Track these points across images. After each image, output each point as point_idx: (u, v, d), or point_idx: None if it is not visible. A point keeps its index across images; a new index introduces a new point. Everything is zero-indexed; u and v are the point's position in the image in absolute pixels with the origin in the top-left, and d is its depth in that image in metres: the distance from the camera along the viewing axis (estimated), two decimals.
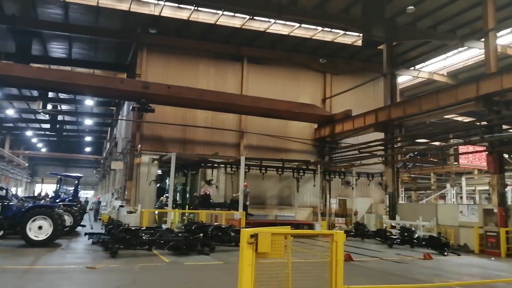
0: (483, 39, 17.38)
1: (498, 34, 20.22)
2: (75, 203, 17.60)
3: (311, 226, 19.93)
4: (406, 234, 15.53)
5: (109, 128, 45.71)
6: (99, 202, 29.71)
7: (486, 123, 15.67)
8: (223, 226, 13.68)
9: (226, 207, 20.16)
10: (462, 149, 24.07)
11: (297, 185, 23.01)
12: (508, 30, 21.10)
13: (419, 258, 12.53)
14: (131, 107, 21.98)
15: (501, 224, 14.00)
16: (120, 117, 31.64)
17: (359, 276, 8.86)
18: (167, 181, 22.51)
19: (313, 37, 23.62)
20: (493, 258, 13.37)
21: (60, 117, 41.28)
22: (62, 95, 32.99)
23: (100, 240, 11.62)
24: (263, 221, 18.73)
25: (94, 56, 27.37)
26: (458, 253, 14.02)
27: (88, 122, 44.12)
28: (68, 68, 26.47)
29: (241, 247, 5.57)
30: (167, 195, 21.07)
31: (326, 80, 26.31)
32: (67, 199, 18.97)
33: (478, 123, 16.68)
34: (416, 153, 31.16)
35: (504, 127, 16.50)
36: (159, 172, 22.40)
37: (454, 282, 8.29)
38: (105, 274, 8.55)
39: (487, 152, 16.10)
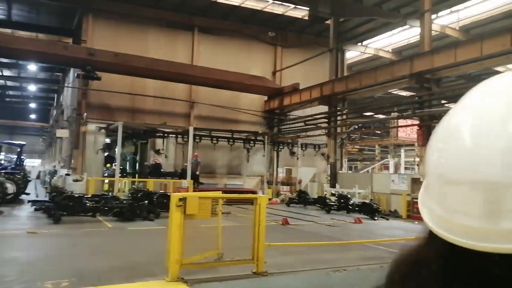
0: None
1: (439, 14, 21.45)
2: (18, 171, 17.30)
3: (255, 194, 20.79)
4: (342, 201, 16.73)
5: (55, 95, 43.99)
6: (55, 171, 29.09)
7: (417, 99, 16.87)
8: (169, 194, 14.09)
9: (177, 176, 20.52)
10: (401, 123, 25.62)
11: (247, 155, 23.73)
12: (448, 11, 22.32)
13: (350, 222, 13.67)
14: (76, 74, 21.45)
15: None
16: (65, 84, 30.63)
17: (290, 237, 9.69)
18: (116, 149, 22.46)
19: (264, 9, 23.82)
20: (416, 222, 14.78)
21: (2, 82, 39.18)
22: (3, 60, 31.29)
23: (43, 207, 11.74)
24: (212, 189, 19.31)
25: (37, 19, 26.06)
26: (387, 218, 15.36)
27: (32, 88, 42.15)
28: (8, 31, 25.13)
29: (171, 210, 6.10)
30: (115, 163, 21.08)
31: (276, 53, 26.76)
32: (9, 167, 18.55)
33: (414, 99, 17.92)
34: (360, 125, 32.71)
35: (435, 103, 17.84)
36: (107, 140, 22.25)
37: (367, 240, 9.29)
38: (46, 238, 8.82)
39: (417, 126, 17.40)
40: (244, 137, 23.83)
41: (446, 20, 23.08)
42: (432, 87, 16.42)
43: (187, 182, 17.93)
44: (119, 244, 8.65)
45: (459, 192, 0.49)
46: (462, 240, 0.47)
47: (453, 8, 21.65)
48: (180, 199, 5.97)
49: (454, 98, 21.85)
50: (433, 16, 18.92)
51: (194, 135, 20.52)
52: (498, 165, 0.45)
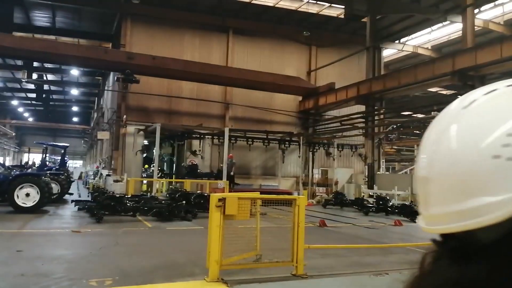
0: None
1: (482, 8, 20.58)
2: (62, 172, 17.99)
3: (290, 194, 20.66)
4: (381, 202, 16.32)
5: (96, 98, 45.56)
6: (98, 172, 30.15)
7: (460, 97, 16.19)
8: (206, 194, 14.25)
9: (213, 177, 20.70)
10: None
11: (282, 156, 23.64)
12: (491, 5, 21.39)
13: (389, 225, 13.30)
14: (116, 78, 22.11)
15: None
16: (106, 88, 31.64)
17: (328, 239, 9.54)
18: (154, 151, 22.97)
19: (298, 9, 23.68)
20: None
21: (46, 87, 40.96)
22: (47, 65, 32.73)
23: (86, 206, 12.13)
24: (247, 190, 19.36)
25: (79, 25, 27.11)
26: None
27: (75, 92, 43.81)
28: (53, 37, 26.26)
29: (210, 210, 6.12)
30: (153, 164, 21.56)
31: (311, 52, 26.52)
32: (54, 168, 19.34)
33: (457, 97, 17.22)
34: (398, 125, 31.86)
35: None
36: (145, 142, 22.79)
37: (409, 244, 8.99)
38: (89, 237, 9.10)
39: None
40: (279, 138, 23.73)
41: (489, 15, 22.13)
42: (475, 85, 15.73)
43: (223, 183, 18.06)
44: (159, 244, 8.80)
45: (416, 187, 0.61)
46: (421, 225, 0.59)
47: (497, 2, 20.68)
48: (220, 200, 5.98)
49: None
50: (476, 11, 18.14)
51: (230, 136, 20.64)
52: (426, 163, 0.57)
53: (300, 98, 25.34)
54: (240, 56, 24.59)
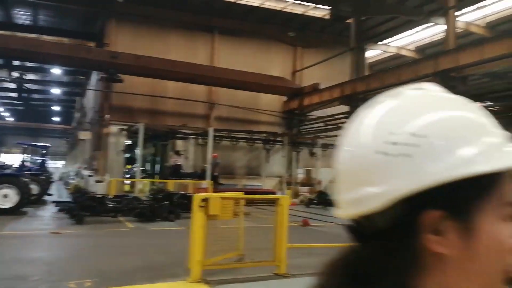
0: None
1: (464, 11, 20.90)
2: (41, 172, 17.63)
3: (274, 194, 20.67)
4: None
5: (78, 97, 44.85)
6: (79, 173, 29.65)
7: None
8: (189, 194, 14.13)
9: (197, 177, 20.58)
10: None
11: (267, 155, 23.64)
12: (473, 7, 21.74)
13: None
14: (98, 77, 21.79)
15: None
16: (88, 87, 31.17)
17: (311, 238, 9.55)
18: (137, 151, 22.71)
19: (283, 10, 23.71)
20: None
21: (26, 85, 40.14)
22: (28, 63, 32.08)
23: (67, 207, 11.90)
24: (231, 190, 19.28)
25: (61, 23, 26.63)
26: None
27: (56, 91, 43.04)
28: (34, 35, 25.74)
29: (194, 210, 6.05)
30: (136, 164, 21.31)
31: (296, 53, 26.60)
32: (33, 169, 18.94)
33: None
34: None
35: None
36: (128, 142, 22.51)
37: None
38: (69, 239, 8.92)
39: None
40: (264, 138, 23.73)
41: (471, 17, 22.50)
42: (457, 86, 15.97)
43: (206, 183, 17.96)
44: (141, 245, 8.67)
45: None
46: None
47: (479, 4, 21.03)
48: (203, 200, 5.93)
49: (479, 97, 21.28)
50: (457, 13, 18.42)
51: (214, 136, 20.55)
52: (338, 155, 0.62)
53: (285, 98, 25.38)
54: (225, 56, 24.50)
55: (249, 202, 11.43)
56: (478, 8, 21.38)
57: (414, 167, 0.54)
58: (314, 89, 22.97)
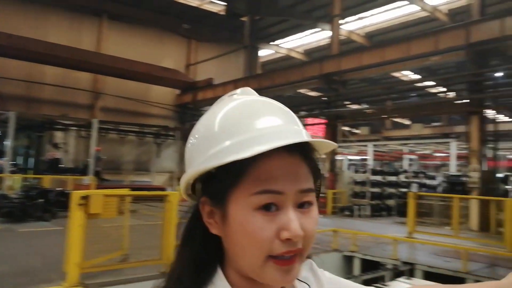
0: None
1: (347, 19, 22.67)
2: None
3: (164, 191, 20.15)
4: None
5: None
6: None
7: (326, 99, 17.69)
8: (68, 191, 12.97)
9: (79, 172, 19.02)
10: (309, 121, 26.67)
11: (158, 150, 22.89)
12: (356, 17, 23.67)
13: None
14: None
15: (329, 187, 16.24)
16: None
17: None
18: (7, 142, 20.15)
19: (179, 1, 23.13)
20: (321, 216, 15.47)
21: None
22: None
23: None
24: (116, 186, 18.23)
25: None
26: None
27: None
28: None
29: (71, 209, 5.51)
30: (5, 158, 18.89)
31: (191, 46, 26.21)
32: None
33: (323, 99, 18.75)
34: None
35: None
36: None
37: None
38: None
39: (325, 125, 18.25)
40: (154, 132, 22.95)
41: (353, 26, 24.54)
42: (338, 89, 17.31)
43: (89, 179, 16.74)
44: (9, 248, 7.68)
45: None
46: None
47: (360, 15, 23.02)
48: (83, 197, 5.42)
49: (357, 100, 23.42)
50: (341, 21, 19.93)
51: (99, 128, 19.23)
52: None
53: (178, 91, 24.87)
54: (115, 43, 23.04)
55: (137, 199, 10.95)
56: (359, 18, 23.39)
57: (191, 159, 0.66)
58: (208, 84, 22.92)
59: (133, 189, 14.86)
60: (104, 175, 19.63)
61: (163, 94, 24.42)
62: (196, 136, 0.66)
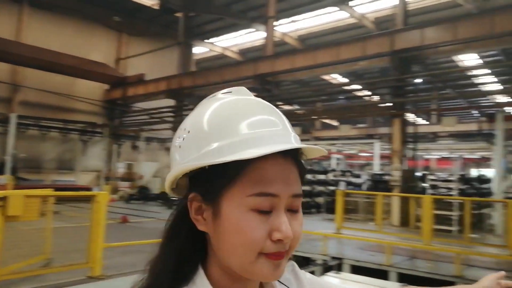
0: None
1: (281, 22, 23.12)
2: None
3: (90, 191, 19.19)
4: None
5: None
6: None
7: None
8: None
9: None
10: None
11: (83, 148, 21.69)
12: (289, 20, 24.19)
13: None
14: None
15: None
16: None
17: (130, 235, 9.12)
18: None
19: None
20: None
21: None
22: None
23: None
24: (38, 186, 16.99)
25: None
26: None
27: None
28: None
29: None
30: None
31: (122, 40, 25.17)
32: None
33: None
34: None
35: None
36: None
37: None
38: None
39: None
40: (80, 128, 21.73)
41: (286, 29, 25.09)
42: (272, 89, 17.62)
43: (6, 178, 15.44)
44: None
45: None
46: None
47: (293, 18, 23.59)
48: (0, 198, 4.97)
49: (290, 100, 24.04)
50: (276, 23, 20.30)
51: (18, 124, 17.81)
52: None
53: (106, 86, 23.75)
54: (37, 33, 21.41)
55: (61, 200, 10.31)
56: (292, 21, 23.98)
57: (181, 156, 0.66)
58: (139, 79, 22.17)
59: (56, 189, 13.97)
60: (23, 174, 18.21)
61: (91, 89, 23.19)
62: (191, 130, 0.66)
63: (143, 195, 18.41)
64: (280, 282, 0.73)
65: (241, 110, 0.66)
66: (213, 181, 0.63)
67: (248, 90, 0.72)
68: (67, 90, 21.93)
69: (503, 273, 0.93)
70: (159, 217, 13.26)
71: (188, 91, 20.75)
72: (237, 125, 0.64)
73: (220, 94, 0.71)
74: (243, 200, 0.61)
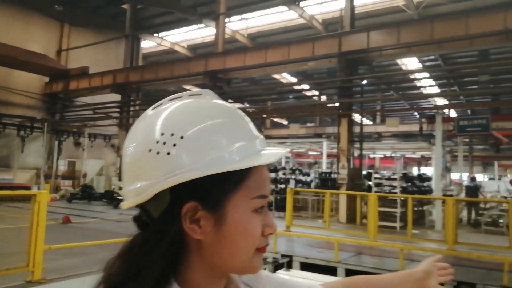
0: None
1: (232, 19, 22.99)
2: None
3: (28, 189, 18.07)
4: None
5: None
6: None
7: None
8: None
9: None
10: None
11: (21, 144, 20.35)
12: (239, 17, 24.13)
13: None
14: None
15: None
16: None
17: (73, 236, 8.70)
18: None
19: None
20: None
21: None
22: None
23: None
24: None
25: None
26: None
27: None
28: None
29: None
30: None
31: (63, 30, 23.85)
32: None
33: None
34: None
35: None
36: None
37: None
38: None
39: None
40: (18, 123, 20.36)
41: (237, 26, 25.00)
42: (223, 86, 17.50)
43: None
44: None
45: None
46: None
47: (243, 16, 23.55)
48: None
49: (240, 98, 24.02)
50: (226, 20, 20.17)
51: None
52: (124, 151, 0.67)
53: (46, 79, 22.44)
54: None
55: None
56: (243, 19, 23.95)
57: (172, 164, 0.61)
58: (83, 72, 21.18)
59: None
60: None
61: (29, 81, 21.79)
62: (184, 136, 0.62)
63: (86, 194, 17.60)
64: (244, 283, 0.75)
65: (239, 113, 0.69)
66: (215, 187, 0.63)
67: (214, 93, 0.72)
68: (2, 82, 20.47)
69: (440, 256, 1.03)
70: (105, 217, 12.75)
71: (135, 86, 20.12)
72: (247, 128, 0.67)
73: (188, 96, 0.70)
74: (248, 203, 0.64)
